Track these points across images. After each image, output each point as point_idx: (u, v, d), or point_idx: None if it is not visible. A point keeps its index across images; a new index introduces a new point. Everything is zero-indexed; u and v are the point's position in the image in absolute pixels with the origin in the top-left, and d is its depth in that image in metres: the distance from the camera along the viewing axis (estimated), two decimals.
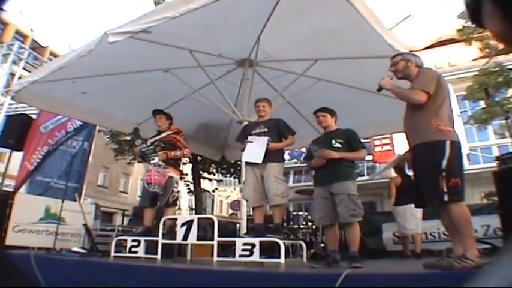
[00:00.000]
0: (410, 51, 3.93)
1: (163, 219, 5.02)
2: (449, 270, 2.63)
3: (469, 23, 13.86)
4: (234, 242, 4.32)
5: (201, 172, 13.95)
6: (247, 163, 4.99)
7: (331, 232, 4.31)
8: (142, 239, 4.94)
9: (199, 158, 12.89)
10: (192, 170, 13.66)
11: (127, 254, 4.92)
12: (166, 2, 7.17)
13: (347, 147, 4.27)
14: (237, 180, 16.09)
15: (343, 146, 4.26)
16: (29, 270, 4.07)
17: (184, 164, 13.72)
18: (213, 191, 20.64)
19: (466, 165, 12.90)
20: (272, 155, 4.74)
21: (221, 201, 35.77)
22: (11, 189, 8.44)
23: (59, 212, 6.70)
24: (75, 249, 5.66)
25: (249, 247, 4.11)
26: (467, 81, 14.54)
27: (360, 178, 15.57)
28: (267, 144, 4.73)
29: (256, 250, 4.05)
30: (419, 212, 6.60)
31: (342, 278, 2.53)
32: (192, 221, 4.65)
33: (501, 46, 13.65)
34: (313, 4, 4.49)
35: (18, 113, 10.11)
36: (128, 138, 13.62)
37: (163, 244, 4.75)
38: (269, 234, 4.37)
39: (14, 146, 7.79)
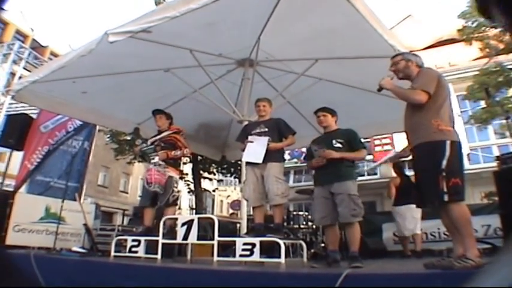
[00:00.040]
0: (411, 51, 3.92)
1: (163, 219, 5.02)
2: (450, 270, 2.63)
3: (470, 23, 13.90)
4: (234, 241, 4.31)
5: (201, 172, 13.96)
6: (247, 163, 4.99)
7: (331, 232, 4.31)
8: (142, 238, 4.94)
9: (199, 157, 12.89)
10: (193, 169, 13.67)
11: (127, 254, 4.92)
12: (167, 2, 7.18)
13: (347, 147, 4.27)
14: (237, 180, 16.09)
15: (343, 146, 4.26)
16: (29, 269, 4.07)
17: (185, 163, 13.74)
18: (214, 190, 20.70)
19: (467, 165, 12.95)
20: (272, 155, 4.74)
21: (221, 201, 35.79)
22: (11, 189, 8.45)
23: (59, 212, 6.71)
24: (75, 248, 5.66)
25: (249, 247, 4.11)
26: (468, 81, 14.52)
27: (360, 178, 15.58)
28: (268, 144, 4.73)
29: (257, 250, 4.05)
30: (418, 212, 6.61)
31: (342, 278, 2.53)
32: (192, 220, 4.64)
33: (501, 46, 13.68)
34: (314, 4, 4.49)
35: (18, 112, 10.12)
36: (128, 138, 13.63)
37: (163, 244, 4.74)
38: (269, 234, 4.37)
39: (15, 145, 7.79)
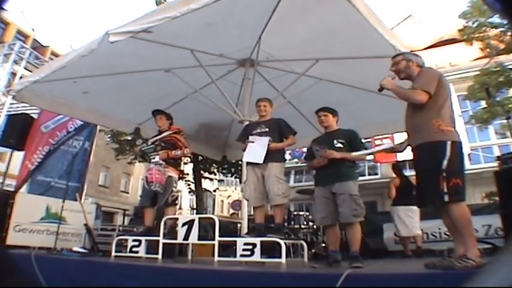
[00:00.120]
0: (412, 51, 3.92)
1: (164, 219, 5.02)
2: (451, 270, 2.63)
3: (470, 23, 13.90)
4: (235, 241, 4.30)
5: (202, 172, 13.97)
6: (248, 163, 4.99)
7: (332, 232, 4.31)
8: (143, 238, 4.94)
9: (200, 157, 12.89)
10: (193, 169, 13.68)
11: (128, 254, 4.92)
12: (168, 2, 7.18)
13: (348, 147, 4.27)
14: (238, 180, 16.10)
15: (344, 146, 4.26)
16: (30, 270, 4.08)
17: (185, 163, 13.77)
18: (214, 190, 20.70)
19: (467, 165, 12.93)
20: (273, 155, 4.74)
21: (222, 201, 35.82)
22: (12, 189, 8.47)
23: (60, 212, 6.70)
24: (76, 249, 5.66)
25: (250, 247, 4.11)
26: (468, 81, 14.54)
27: (361, 178, 15.57)
28: (268, 144, 4.73)
29: (257, 250, 4.05)
30: (416, 212, 6.63)
31: (343, 278, 2.53)
32: (193, 220, 4.64)
33: (502, 46, 13.69)
34: (314, 4, 4.49)
35: (19, 112, 10.11)
36: (129, 138, 13.65)
37: (164, 244, 4.74)
38: (270, 234, 4.36)
39: (15, 145, 7.79)
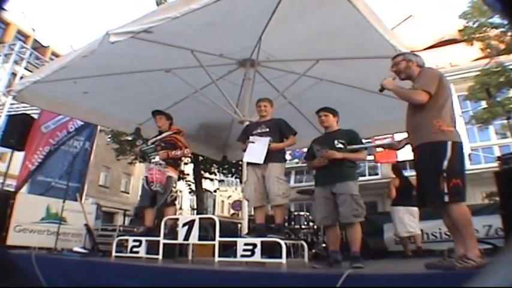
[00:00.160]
0: (412, 51, 3.92)
1: (164, 219, 5.02)
2: (451, 271, 2.63)
3: (471, 23, 13.91)
4: (236, 242, 4.30)
5: (202, 172, 13.99)
6: (248, 163, 4.99)
7: (332, 232, 4.31)
8: (143, 239, 4.94)
9: (200, 158, 12.91)
10: (194, 170, 13.70)
11: (128, 254, 4.92)
12: (168, 2, 7.18)
13: None
14: (238, 180, 16.13)
15: (344, 147, 4.26)
16: (30, 270, 4.08)
17: (186, 164, 13.79)
18: (215, 191, 20.69)
19: (468, 165, 12.95)
20: (273, 155, 4.74)
21: (222, 201, 35.84)
22: (13, 189, 8.48)
23: (60, 212, 6.70)
24: (76, 249, 5.66)
25: (250, 247, 4.10)
26: (469, 81, 14.54)
27: (361, 178, 15.58)
28: (269, 145, 4.73)
29: (258, 250, 4.05)
30: (415, 213, 6.63)
31: (343, 278, 2.53)
32: (193, 221, 4.64)
33: (502, 46, 13.69)
34: (315, 4, 4.49)
35: (19, 112, 10.12)
36: (130, 138, 13.67)
37: (164, 244, 4.75)
38: (270, 234, 4.36)
39: (16, 145, 7.79)
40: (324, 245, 6.24)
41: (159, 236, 4.81)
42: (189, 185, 14.95)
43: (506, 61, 13.76)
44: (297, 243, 5.04)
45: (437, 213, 3.45)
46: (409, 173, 6.78)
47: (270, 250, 4.17)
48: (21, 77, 14.55)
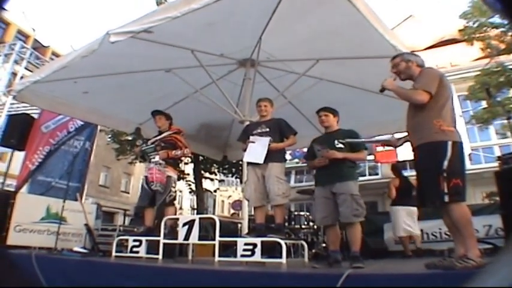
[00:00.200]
0: (412, 51, 3.92)
1: (164, 219, 5.03)
2: (451, 270, 2.63)
3: (471, 23, 13.91)
4: (236, 242, 4.30)
5: (202, 172, 13.99)
6: (248, 163, 4.99)
7: (332, 232, 4.31)
8: (143, 239, 4.95)
9: (201, 158, 12.92)
10: (194, 170, 13.70)
11: (128, 254, 4.93)
12: (168, 2, 7.18)
13: (349, 147, 4.27)
14: (238, 180, 16.12)
15: (345, 147, 4.26)
16: (31, 270, 4.08)
17: (186, 163, 13.80)
18: (215, 191, 20.69)
19: (468, 165, 12.94)
20: (273, 155, 4.74)
21: (223, 201, 35.86)
22: (13, 189, 8.49)
23: (61, 212, 6.70)
24: (76, 249, 5.66)
25: (250, 247, 4.11)
26: (469, 81, 14.54)
27: (361, 178, 15.59)
28: (269, 145, 4.72)
29: (258, 250, 4.05)
30: (414, 213, 6.63)
31: (343, 278, 2.53)
32: (193, 220, 4.64)
33: (503, 46, 13.69)
34: (315, 4, 4.48)
35: (19, 112, 10.12)
36: (130, 138, 13.67)
37: (164, 244, 4.75)
38: (270, 234, 4.36)
39: (16, 145, 7.79)
40: (324, 244, 6.24)
41: (159, 236, 4.81)
42: (189, 185, 14.95)
43: (506, 61, 13.76)
44: (297, 243, 5.04)
45: (437, 213, 3.45)
46: (409, 173, 6.77)
47: (270, 250, 4.17)
48: (22, 77, 14.54)
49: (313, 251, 6.06)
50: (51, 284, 4.00)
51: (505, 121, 11.54)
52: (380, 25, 4.34)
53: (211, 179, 15.65)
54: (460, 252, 2.85)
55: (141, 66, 5.96)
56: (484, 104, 14.27)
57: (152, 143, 5.66)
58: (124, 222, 12.34)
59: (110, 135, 15.07)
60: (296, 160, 20.71)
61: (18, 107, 12.90)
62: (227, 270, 3.58)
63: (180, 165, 12.00)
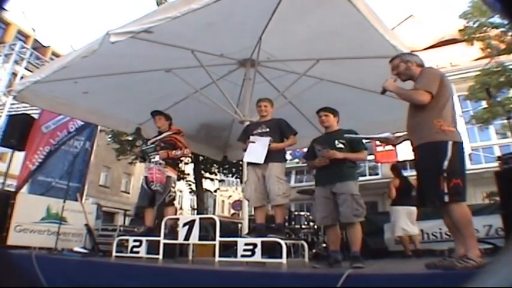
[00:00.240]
0: (412, 51, 3.91)
1: (164, 219, 5.03)
2: (451, 270, 2.63)
3: (471, 23, 13.91)
4: (236, 242, 4.30)
5: (202, 172, 14.00)
6: (249, 163, 4.98)
7: (332, 232, 4.31)
8: (144, 239, 4.95)
9: (201, 158, 12.92)
10: (194, 170, 13.71)
11: (129, 254, 4.93)
12: (168, 2, 7.18)
13: (349, 147, 4.28)
14: (238, 180, 16.13)
15: (345, 147, 4.26)
16: (31, 270, 4.08)
17: (186, 164, 13.81)
18: (215, 191, 20.71)
19: (468, 165, 12.95)
20: (274, 155, 4.74)
21: (223, 201, 35.85)
22: (13, 189, 8.49)
23: (61, 212, 6.70)
24: (76, 249, 5.66)
25: (250, 247, 4.11)
26: (469, 81, 14.54)
27: (361, 178, 15.61)
28: (269, 145, 4.72)
29: (258, 250, 4.05)
30: (414, 213, 6.63)
31: (343, 278, 2.53)
32: (193, 221, 4.65)
33: (503, 46, 13.69)
34: (315, 4, 4.48)
35: (20, 112, 10.13)
36: (130, 138, 13.68)
37: (165, 244, 4.75)
38: (271, 234, 4.36)
39: (16, 145, 7.80)
40: (324, 244, 6.24)
41: (159, 236, 4.81)
42: (190, 185, 14.96)
43: (506, 61, 13.76)
44: (297, 243, 5.04)
45: (437, 213, 3.45)
46: (409, 173, 6.77)
47: (270, 250, 4.17)
48: (22, 77, 14.56)
49: (314, 251, 6.06)
50: (52, 284, 3.99)
51: (505, 121, 11.56)
52: (380, 25, 4.34)
53: (212, 179, 15.65)
54: (461, 252, 2.85)
55: (141, 66, 5.96)
56: (484, 104, 14.28)
57: (152, 143, 5.66)
58: (124, 223, 12.35)
59: (110, 136, 15.08)
60: (296, 160, 20.72)
61: (18, 107, 12.92)
62: (227, 270, 3.58)
63: (180, 165, 12.02)
